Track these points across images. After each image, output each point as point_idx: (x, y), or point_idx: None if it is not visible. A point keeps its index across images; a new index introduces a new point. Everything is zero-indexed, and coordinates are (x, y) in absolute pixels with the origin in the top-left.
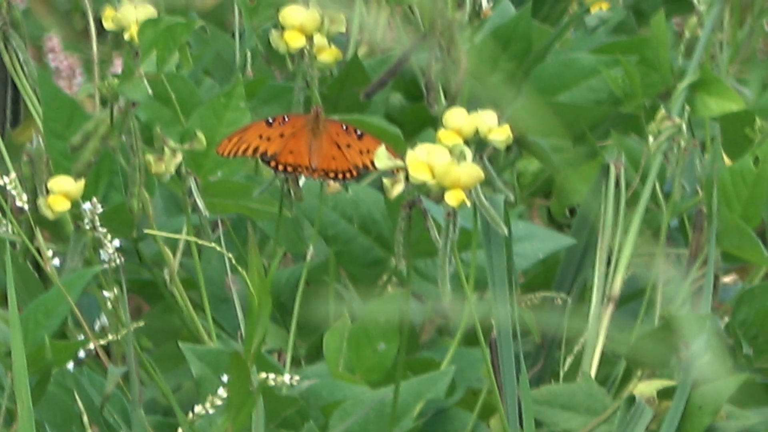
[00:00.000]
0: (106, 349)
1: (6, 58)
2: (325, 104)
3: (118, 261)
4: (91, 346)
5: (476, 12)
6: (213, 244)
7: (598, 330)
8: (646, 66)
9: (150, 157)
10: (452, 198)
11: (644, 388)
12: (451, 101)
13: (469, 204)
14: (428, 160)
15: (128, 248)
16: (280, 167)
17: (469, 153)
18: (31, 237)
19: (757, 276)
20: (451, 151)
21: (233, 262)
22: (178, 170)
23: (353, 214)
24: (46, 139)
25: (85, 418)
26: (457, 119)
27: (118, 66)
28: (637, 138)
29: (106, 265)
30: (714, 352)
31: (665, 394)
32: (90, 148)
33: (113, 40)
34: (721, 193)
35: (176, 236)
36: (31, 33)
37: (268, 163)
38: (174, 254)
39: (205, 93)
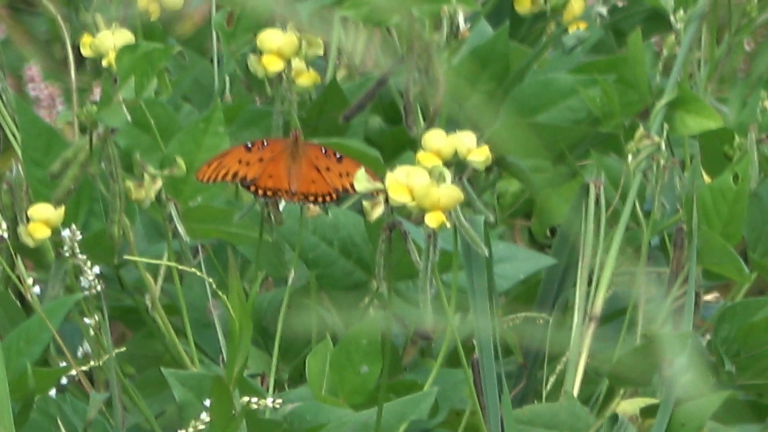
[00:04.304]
0: (89, 375)
1: None
2: (304, 128)
3: (99, 288)
4: (74, 372)
5: (454, 33)
6: (194, 270)
7: (580, 349)
8: (624, 85)
9: (130, 184)
10: (432, 220)
11: (627, 406)
12: (430, 123)
13: (449, 225)
14: (408, 182)
15: (109, 275)
16: (260, 192)
17: (448, 174)
18: (12, 265)
19: (739, 293)
20: (430, 172)
21: (214, 287)
22: (158, 196)
23: (333, 237)
24: (26, 167)
25: None
26: (436, 141)
27: (97, 94)
28: (617, 157)
29: (87, 292)
30: (696, 370)
31: (648, 412)
32: (69, 176)
33: (92, 68)
34: (701, 211)
35: (157, 262)
36: (11, 63)
37: (247, 187)
38: (155, 280)
39: (183, 119)
